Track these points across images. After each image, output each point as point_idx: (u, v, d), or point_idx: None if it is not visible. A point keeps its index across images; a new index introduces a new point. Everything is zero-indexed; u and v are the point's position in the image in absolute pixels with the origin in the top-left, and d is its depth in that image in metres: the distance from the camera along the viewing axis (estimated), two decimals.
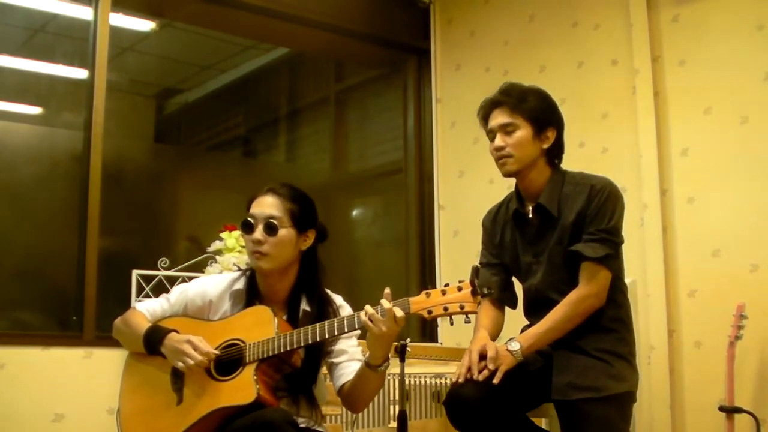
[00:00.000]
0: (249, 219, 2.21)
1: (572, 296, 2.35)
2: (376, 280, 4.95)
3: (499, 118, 2.44)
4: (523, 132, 2.42)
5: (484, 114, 2.51)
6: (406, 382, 2.75)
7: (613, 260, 2.37)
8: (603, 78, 3.91)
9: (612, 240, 2.36)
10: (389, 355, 2.14)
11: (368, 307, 2.04)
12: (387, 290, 2.04)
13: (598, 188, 2.39)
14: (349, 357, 2.24)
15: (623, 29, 3.82)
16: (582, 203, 2.38)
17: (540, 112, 2.44)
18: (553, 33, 4.17)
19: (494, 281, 2.56)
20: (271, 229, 2.18)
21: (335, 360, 2.24)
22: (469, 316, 2.01)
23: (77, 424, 3.40)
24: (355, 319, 2.06)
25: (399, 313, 2.01)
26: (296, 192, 2.26)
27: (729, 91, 3.44)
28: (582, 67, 4.01)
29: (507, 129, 2.42)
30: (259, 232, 2.18)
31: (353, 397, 2.21)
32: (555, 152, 2.49)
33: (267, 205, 2.21)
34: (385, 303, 2.02)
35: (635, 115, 3.71)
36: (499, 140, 2.43)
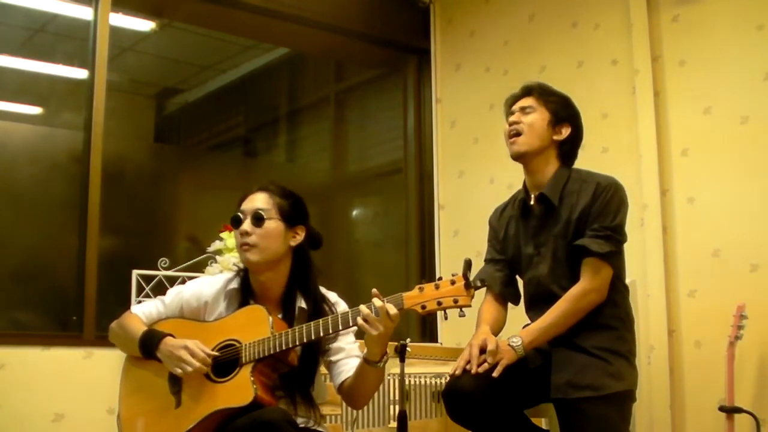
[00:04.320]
0: (238, 214, 2.25)
1: (574, 291, 2.36)
2: (376, 280, 4.95)
3: (523, 102, 2.55)
4: (540, 115, 2.50)
5: (512, 102, 2.59)
6: (406, 382, 2.75)
7: (616, 257, 2.39)
8: (603, 78, 3.91)
9: (616, 238, 2.38)
10: (387, 351, 2.14)
11: (363, 308, 2.03)
12: (374, 290, 2.05)
13: (604, 186, 2.42)
14: (347, 354, 2.25)
15: (623, 29, 3.81)
16: (587, 200, 2.41)
17: (561, 107, 2.53)
18: (553, 33, 4.17)
19: (497, 276, 2.58)
20: (257, 219, 2.21)
21: (333, 358, 2.25)
22: (463, 309, 2.01)
23: (77, 424, 3.40)
24: (350, 316, 2.05)
25: (393, 310, 2.01)
26: (286, 189, 2.31)
27: (729, 91, 3.44)
28: (582, 67, 4.00)
29: (526, 110, 2.52)
30: (246, 224, 2.21)
31: (354, 393, 2.21)
32: (567, 150, 2.53)
33: (256, 200, 2.26)
34: (377, 301, 2.02)
35: (635, 115, 3.71)
36: (514, 117, 2.52)
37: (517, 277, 2.64)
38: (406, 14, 4.86)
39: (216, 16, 4.34)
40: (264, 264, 2.21)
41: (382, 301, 2.02)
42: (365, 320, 2.02)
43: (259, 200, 2.25)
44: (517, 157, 2.51)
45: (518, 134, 2.49)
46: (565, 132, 2.51)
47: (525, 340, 2.32)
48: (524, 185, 2.57)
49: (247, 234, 2.20)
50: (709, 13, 3.54)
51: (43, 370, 3.39)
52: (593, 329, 2.36)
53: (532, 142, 2.47)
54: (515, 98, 2.59)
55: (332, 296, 2.33)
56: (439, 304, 2.00)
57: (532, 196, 2.52)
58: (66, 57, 3.96)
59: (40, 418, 3.34)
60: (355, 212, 5.16)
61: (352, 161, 5.27)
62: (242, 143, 5.06)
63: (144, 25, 4.35)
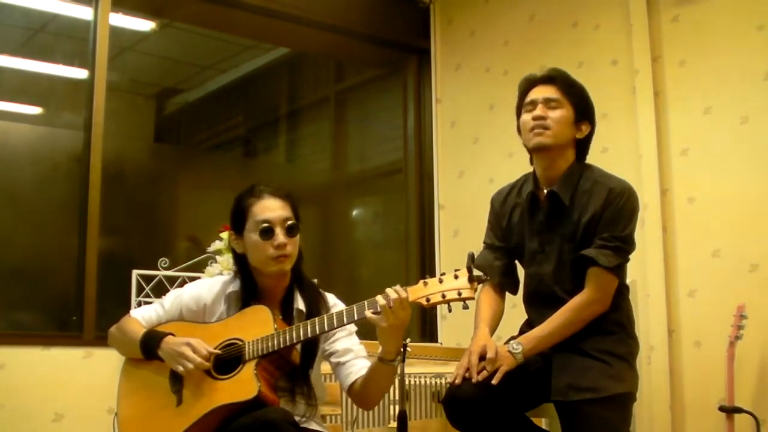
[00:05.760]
0: (267, 225, 2.19)
1: (577, 301, 2.34)
2: (376, 280, 4.95)
3: (546, 92, 2.44)
4: (566, 112, 2.42)
5: (529, 86, 2.49)
6: (406, 382, 2.74)
7: (622, 268, 2.37)
8: (603, 78, 3.90)
9: (625, 249, 2.35)
10: (401, 350, 2.12)
11: (379, 298, 2.01)
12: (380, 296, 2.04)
13: (617, 192, 2.36)
14: (355, 355, 2.24)
15: (623, 29, 3.82)
16: (598, 205, 2.35)
17: (583, 102, 2.47)
18: (553, 33, 4.17)
19: (496, 266, 2.55)
20: (292, 230, 2.20)
21: (341, 359, 2.24)
22: (467, 302, 2.01)
23: (77, 424, 3.40)
24: (355, 310, 2.05)
25: (403, 294, 2.00)
26: (289, 191, 2.29)
27: (729, 91, 3.44)
28: (582, 67, 4.00)
29: (551, 104, 2.42)
30: (282, 236, 2.18)
31: (366, 393, 2.20)
32: (583, 147, 2.49)
33: (278, 208, 2.22)
34: (390, 291, 2.00)
35: (635, 115, 3.71)
36: (540, 110, 2.41)
37: (517, 262, 2.62)
38: (406, 14, 4.86)
39: (216, 16, 4.34)
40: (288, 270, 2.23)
41: (398, 293, 2.00)
42: (375, 312, 2.01)
43: (283, 208, 2.22)
44: (540, 148, 2.41)
45: (545, 128, 2.39)
46: (585, 129, 2.46)
47: (525, 348, 2.31)
48: (534, 176, 2.50)
49: (284, 246, 2.18)
50: (709, 13, 3.54)
51: (43, 370, 3.39)
52: (594, 333, 2.35)
53: (558, 138, 2.39)
54: (533, 82, 2.48)
55: (331, 298, 2.33)
56: (443, 297, 2.00)
57: (544, 190, 2.46)
58: (66, 57, 3.96)
59: (40, 418, 3.34)
60: (355, 212, 5.16)
61: (352, 161, 5.27)
62: (242, 143, 5.07)
63: (144, 25, 4.36)
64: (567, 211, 2.41)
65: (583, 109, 2.46)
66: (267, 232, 2.18)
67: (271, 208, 2.21)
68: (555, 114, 2.41)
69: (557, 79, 2.46)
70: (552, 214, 2.44)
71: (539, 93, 2.44)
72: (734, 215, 3.36)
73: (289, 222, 2.20)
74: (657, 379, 3.45)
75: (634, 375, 2.38)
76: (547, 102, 2.42)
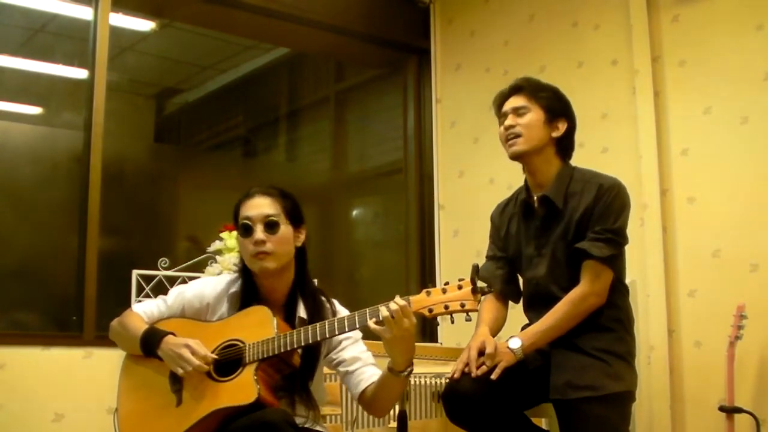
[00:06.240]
0: (246, 222, 2.19)
1: (574, 294, 2.35)
2: (376, 280, 4.95)
3: (514, 102, 2.50)
4: (535, 115, 2.47)
5: (501, 101, 2.55)
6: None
7: (616, 260, 2.38)
8: (603, 78, 3.91)
9: (617, 241, 2.37)
10: (413, 362, 2.09)
11: (382, 309, 1.99)
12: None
13: (607, 187, 2.40)
14: (364, 363, 2.23)
15: (623, 29, 3.82)
16: (589, 201, 2.39)
17: (554, 102, 2.50)
18: (553, 33, 4.17)
19: (499, 274, 2.57)
20: (271, 226, 2.17)
21: (350, 368, 2.22)
22: (470, 314, 2.01)
23: (77, 424, 3.40)
24: (356, 318, 2.05)
25: (401, 302, 1.98)
26: (283, 190, 2.28)
27: (729, 91, 3.44)
28: (582, 67, 4.00)
29: (519, 111, 2.48)
30: (259, 232, 2.16)
31: (376, 402, 2.19)
32: (564, 145, 2.51)
33: (262, 206, 2.20)
34: (393, 304, 1.99)
35: (635, 115, 3.71)
36: (509, 120, 2.48)
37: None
38: (406, 14, 4.86)
39: (216, 16, 4.34)
40: (279, 270, 2.20)
41: (397, 304, 1.99)
42: (379, 323, 1.99)
43: (266, 205, 2.20)
44: (517, 156, 2.48)
45: (516, 136, 2.45)
46: (562, 127, 2.48)
47: (524, 343, 2.32)
48: (525, 184, 2.55)
49: (262, 242, 2.15)
50: (709, 13, 3.54)
51: (43, 370, 3.39)
52: (593, 330, 2.36)
53: (531, 143, 2.44)
54: (504, 97, 2.54)
55: (337, 306, 2.30)
56: (447, 308, 1.99)
57: (535, 197, 2.50)
58: (66, 57, 3.96)
59: (40, 418, 3.34)
60: (355, 212, 5.16)
61: (352, 161, 5.28)
62: (242, 143, 5.07)
63: (144, 25, 4.36)
64: (560, 213, 2.43)
65: (554, 108, 2.49)
66: (245, 229, 2.19)
67: (254, 206, 2.21)
68: (523, 120, 2.47)
69: (524, 87, 2.52)
70: (547, 218, 2.47)
71: (509, 105, 2.52)
72: (734, 215, 3.36)
73: (269, 218, 2.17)
74: (657, 379, 3.45)
75: (633, 374, 2.39)
76: (516, 111, 2.48)
